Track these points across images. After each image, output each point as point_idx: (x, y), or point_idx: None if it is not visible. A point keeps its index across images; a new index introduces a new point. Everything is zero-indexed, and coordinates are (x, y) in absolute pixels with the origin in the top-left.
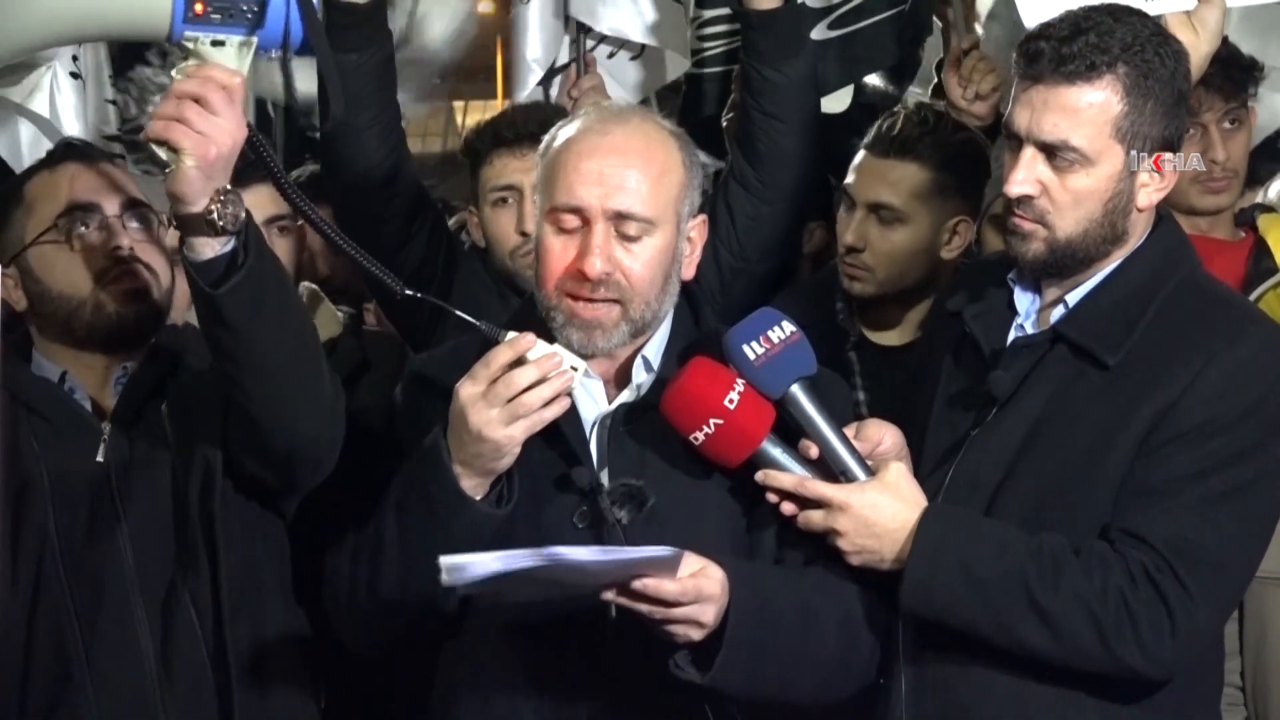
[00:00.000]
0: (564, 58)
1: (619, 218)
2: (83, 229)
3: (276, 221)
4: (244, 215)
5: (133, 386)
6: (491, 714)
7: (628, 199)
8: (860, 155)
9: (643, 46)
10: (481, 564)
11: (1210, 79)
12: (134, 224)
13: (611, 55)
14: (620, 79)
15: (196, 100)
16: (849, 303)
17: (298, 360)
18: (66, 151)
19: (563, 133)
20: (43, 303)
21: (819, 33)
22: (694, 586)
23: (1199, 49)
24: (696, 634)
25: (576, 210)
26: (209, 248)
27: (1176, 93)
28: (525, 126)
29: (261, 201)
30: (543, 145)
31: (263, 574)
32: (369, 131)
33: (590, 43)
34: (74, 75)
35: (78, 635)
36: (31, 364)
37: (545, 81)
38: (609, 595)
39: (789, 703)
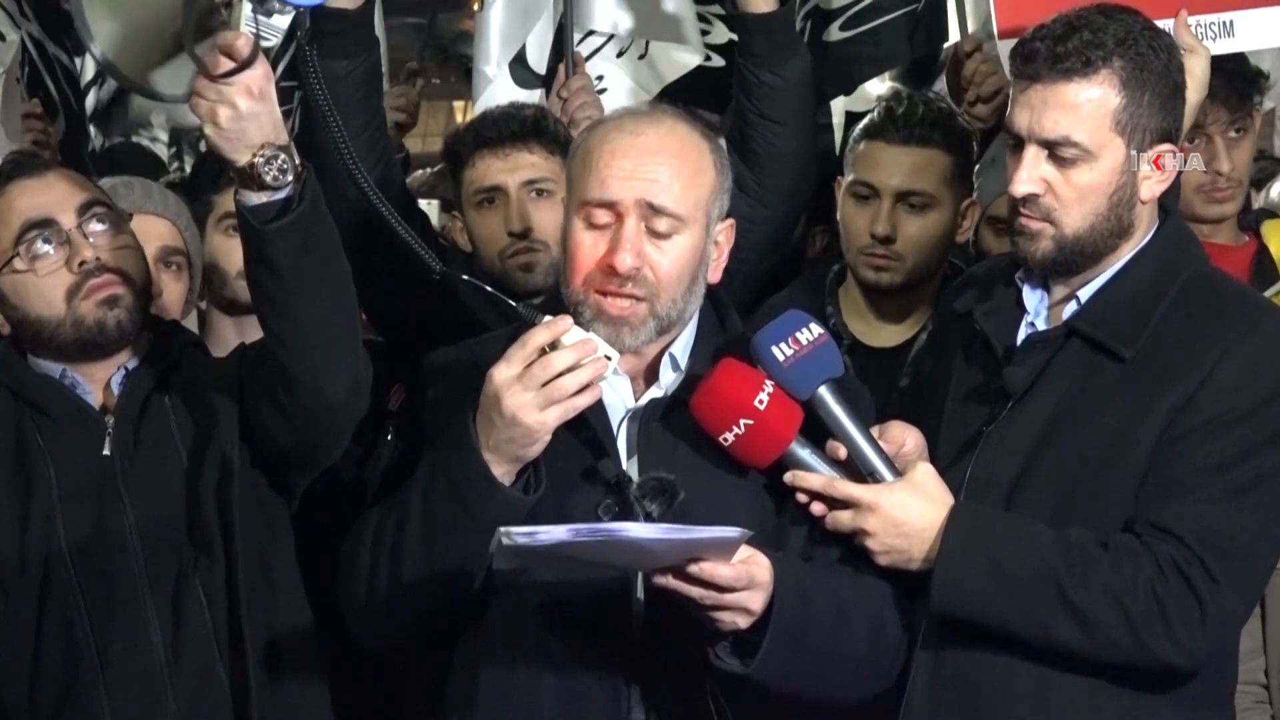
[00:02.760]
0: (541, 60)
1: (651, 212)
2: (42, 248)
3: None
4: (293, 172)
5: (135, 381)
6: (512, 700)
7: (660, 194)
8: (871, 145)
9: (647, 43)
10: (549, 532)
11: (1216, 90)
12: (96, 226)
13: (621, 53)
14: (632, 76)
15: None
16: (868, 295)
17: (336, 318)
18: (12, 172)
19: (595, 131)
20: (24, 326)
21: (832, 34)
22: (746, 573)
23: (1188, 99)
24: (744, 621)
25: (609, 205)
26: (257, 197)
27: (1172, 84)
28: (507, 126)
29: None
30: (574, 144)
31: (275, 565)
32: (358, 139)
33: (598, 41)
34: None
35: (87, 627)
36: (29, 363)
37: (545, 84)
38: (661, 580)
39: (819, 699)
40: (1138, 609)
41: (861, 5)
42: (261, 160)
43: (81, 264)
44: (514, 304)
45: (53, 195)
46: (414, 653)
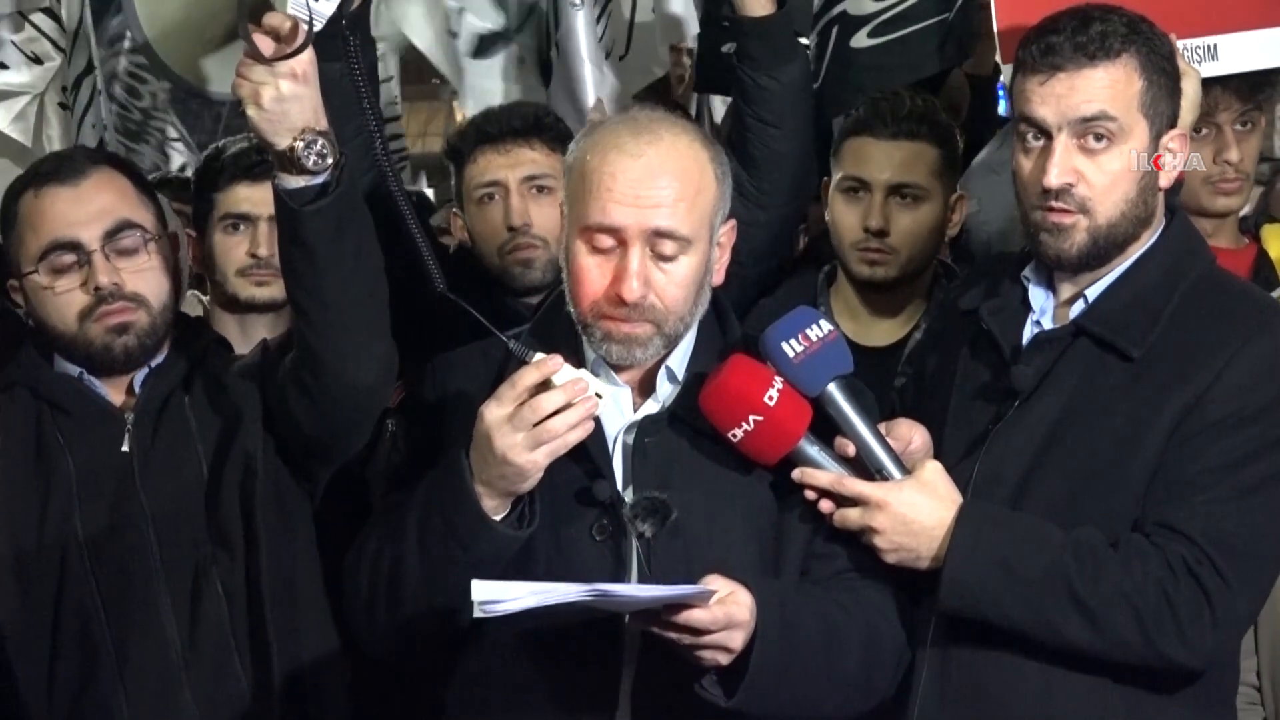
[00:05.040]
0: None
1: (657, 237)
2: (63, 267)
3: None
4: (333, 158)
5: (157, 379)
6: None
7: (666, 218)
8: (859, 141)
9: (628, 48)
10: (516, 596)
11: (1228, 80)
12: (120, 248)
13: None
14: (615, 78)
15: (251, 55)
16: (862, 292)
17: (366, 302)
18: (50, 173)
19: (593, 146)
20: (43, 329)
21: (859, 40)
22: (724, 615)
23: (1181, 120)
24: (724, 659)
25: (613, 231)
26: (295, 181)
27: (1174, 71)
28: (509, 123)
29: (270, 198)
30: (570, 157)
31: (296, 563)
32: (353, 143)
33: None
34: (62, 106)
35: (103, 621)
36: (54, 365)
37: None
38: (639, 624)
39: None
40: (1148, 609)
41: (891, 13)
42: (302, 145)
43: (97, 289)
44: (505, 338)
45: (84, 212)
46: (425, 660)
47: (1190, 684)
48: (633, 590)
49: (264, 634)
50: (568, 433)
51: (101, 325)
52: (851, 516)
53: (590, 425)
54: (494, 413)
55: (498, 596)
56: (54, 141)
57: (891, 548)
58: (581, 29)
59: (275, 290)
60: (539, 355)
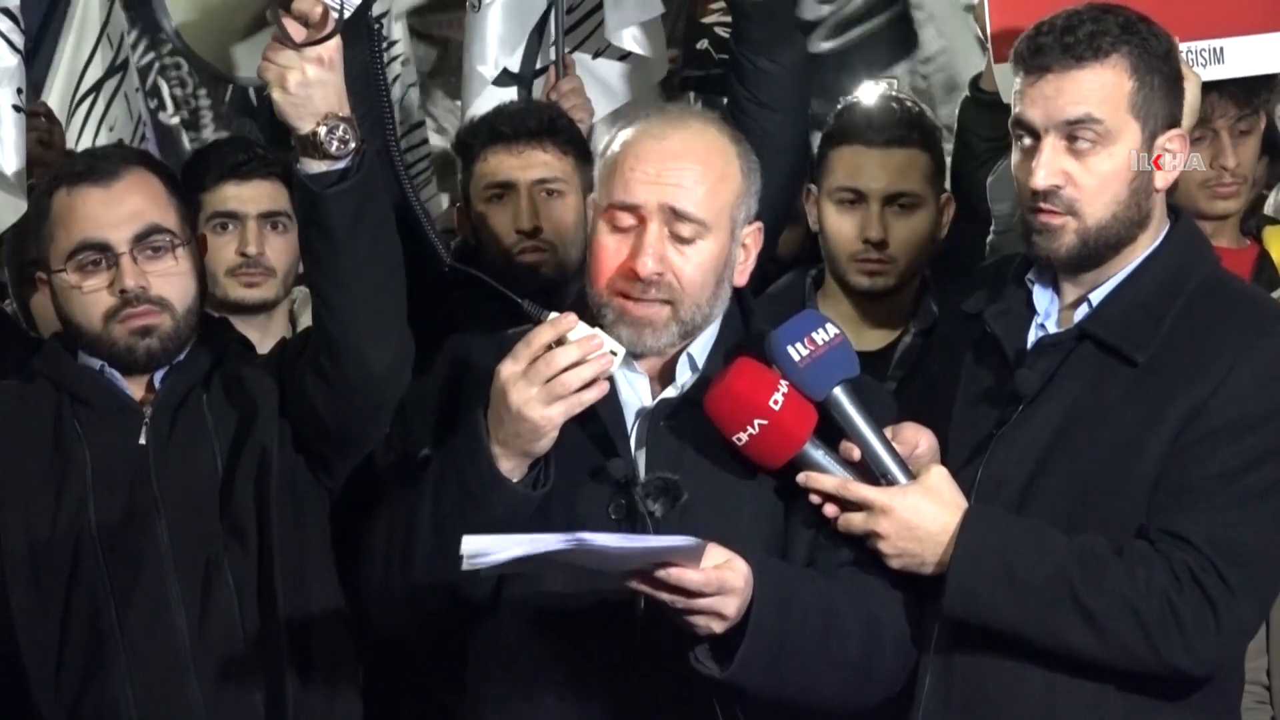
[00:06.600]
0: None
1: (674, 216)
2: (92, 268)
3: (272, 218)
4: (355, 143)
5: (177, 376)
6: (516, 701)
7: (683, 198)
8: (851, 150)
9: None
10: (503, 548)
11: (1224, 86)
12: (148, 252)
13: (596, 55)
14: (607, 82)
15: (280, 40)
16: (856, 300)
17: (385, 287)
18: (84, 173)
19: (621, 135)
20: (69, 326)
21: (815, 45)
22: (717, 578)
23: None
24: (718, 626)
25: (632, 209)
26: (316, 165)
27: (1174, 71)
28: (523, 123)
29: (258, 196)
30: (601, 146)
31: (310, 556)
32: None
33: (570, 44)
34: (16, 109)
35: (112, 610)
36: (77, 358)
37: (527, 85)
38: (632, 583)
39: (809, 706)
40: (1152, 616)
41: (840, 15)
42: (325, 130)
43: (123, 291)
44: (520, 300)
45: (114, 214)
46: (438, 644)
47: (1194, 691)
48: (618, 541)
49: (274, 627)
50: (582, 389)
51: (126, 327)
52: (856, 521)
53: (605, 386)
54: (509, 368)
55: (486, 549)
56: (8, 143)
57: (896, 553)
58: (478, 34)
59: (265, 291)
60: (554, 314)
